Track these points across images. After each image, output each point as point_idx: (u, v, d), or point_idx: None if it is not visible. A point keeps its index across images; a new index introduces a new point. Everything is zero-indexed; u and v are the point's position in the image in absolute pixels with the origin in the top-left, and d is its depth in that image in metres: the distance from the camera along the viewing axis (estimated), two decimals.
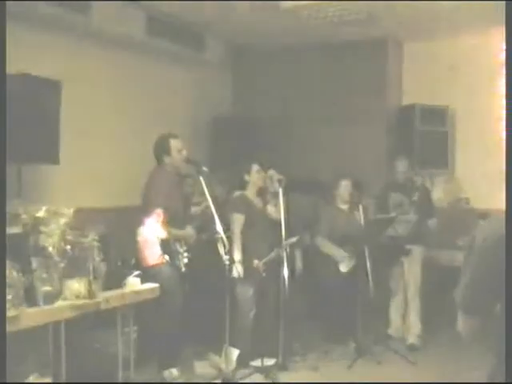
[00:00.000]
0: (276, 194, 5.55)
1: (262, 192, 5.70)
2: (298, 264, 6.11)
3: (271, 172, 5.71)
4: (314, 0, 5.76)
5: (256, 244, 5.50)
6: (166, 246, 5.02)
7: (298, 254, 6.11)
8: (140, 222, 5.13)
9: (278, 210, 5.50)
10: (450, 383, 4.94)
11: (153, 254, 5.04)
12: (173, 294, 4.99)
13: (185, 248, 5.07)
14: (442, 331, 6.39)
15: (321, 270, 6.13)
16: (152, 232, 5.04)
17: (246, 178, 5.67)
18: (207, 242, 5.51)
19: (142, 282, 4.73)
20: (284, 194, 5.55)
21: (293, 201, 5.93)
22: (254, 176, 5.63)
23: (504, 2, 3.83)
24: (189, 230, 5.17)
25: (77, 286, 4.17)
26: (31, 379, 4.06)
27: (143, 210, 5.11)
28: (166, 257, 5.00)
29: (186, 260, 5.04)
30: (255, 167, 5.65)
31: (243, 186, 5.68)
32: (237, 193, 5.68)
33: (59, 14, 5.26)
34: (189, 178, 5.92)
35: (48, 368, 4.18)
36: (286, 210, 5.55)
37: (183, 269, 5.04)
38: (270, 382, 5.08)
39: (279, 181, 5.50)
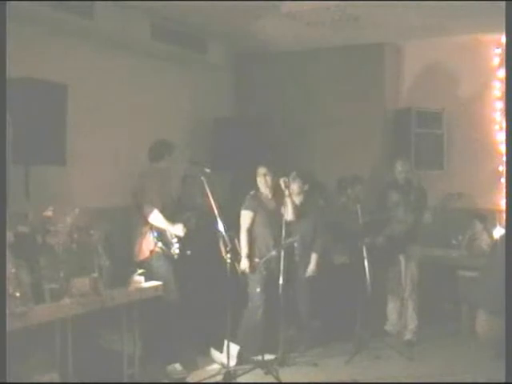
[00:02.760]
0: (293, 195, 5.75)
1: (275, 193, 5.81)
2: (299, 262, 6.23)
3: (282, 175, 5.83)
4: (315, 0, 5.83)
5: (265, 243, 5.67)
6: (158, 236, 5.28)
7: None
8: (137, 219, 5.31)
9: (287, 211, 5.63)
10: (450, 383, 5.06)
11: (148, 246, 5.28)
12: (169, 284, 5.17)
13: (175, 240, 5.31)
14: (438, 327, 6.51)
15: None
16: (147, 227, 5.24)
17: (258, 179, 5.80)
18: (209, 240, 5.65)
19: (140, 274, 4.91)
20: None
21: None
22: (261, 178, 5.77)
23: (504, 2, 3.94)
24: (178, 226, 5.33)
25: (82, 283, 4.30)
26: (38, 376, 4.18)
27: (138, 207, 5.30)
28: (159, 243, 5.25)
29: (177, 250, 5.31)
30: (262, 170, 5.78)
31: (257, 185, 5.82)
32: (252, 192, 5.81)
33: (65, 19, 5.36)
34: (191, 178, 6.04)
35: (55, 364, 4.30)
36: (300, 212, 5.78)
37: (175, 256, 5.30)
38: (273, 380, 5.16)
39: (285, 182, 5.63)
